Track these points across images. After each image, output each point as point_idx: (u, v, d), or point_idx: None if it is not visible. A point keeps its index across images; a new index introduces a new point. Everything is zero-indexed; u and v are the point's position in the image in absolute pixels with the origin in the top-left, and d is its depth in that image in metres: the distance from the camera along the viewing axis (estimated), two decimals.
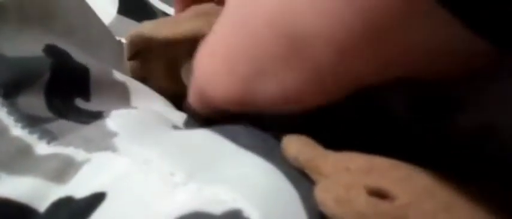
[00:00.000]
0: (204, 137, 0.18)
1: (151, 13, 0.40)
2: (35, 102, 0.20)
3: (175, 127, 0.21)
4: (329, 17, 0.15)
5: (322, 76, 0.16)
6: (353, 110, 0.19)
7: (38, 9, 0.22)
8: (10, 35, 0.21)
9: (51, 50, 0.21)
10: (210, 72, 0.19)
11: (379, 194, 0.15)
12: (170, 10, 0.40)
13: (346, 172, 0.16)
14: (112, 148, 0.17)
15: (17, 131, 0.18)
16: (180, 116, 0.23)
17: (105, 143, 0.17)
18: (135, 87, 0.24)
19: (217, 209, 0.14)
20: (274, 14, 0.16)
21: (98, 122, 0.19)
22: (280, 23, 0.16)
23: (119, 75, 0.24)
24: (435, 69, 0.16)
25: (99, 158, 0.17)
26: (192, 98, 0.22)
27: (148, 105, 0.23)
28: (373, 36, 0.15)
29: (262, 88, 0.18)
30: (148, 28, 0.22)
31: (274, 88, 0.17)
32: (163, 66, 0.24)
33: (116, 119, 0.19)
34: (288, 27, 0.16)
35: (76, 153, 0.17)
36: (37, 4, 0.22)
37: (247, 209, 0.14)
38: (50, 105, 0.20)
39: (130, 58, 0.24)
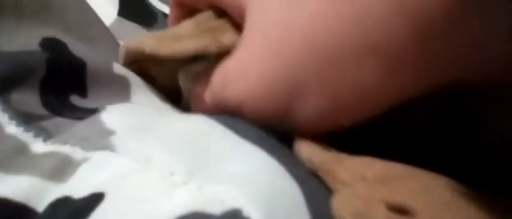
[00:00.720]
0: (207, 127, 0.17)
1: (151, 14, 0.39)
2: (29, 98, 0.19)
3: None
4: (375, 29, 0.15)
5: (364, 95, 0.16)
6: (376, 126, 0.19)
7: (35, 5, 0.22)
8: (6, 29, 0.20)
9: (48, 43, 0.21)
10: (244, 92, 0.18)
11: (399, 209, 0.14)
12: None
13: (363, 181, 0.15)
14: (110, 147, 0.17)
15: (12, 129, 0.18)
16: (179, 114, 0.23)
17: (103, 141, 0.17)
18: (136, 81, 0.23)
19: (216, 209, 0.14)
20: (313, 34, 0.16)
21: (93, 118, 0.19)
22: (320, 43, 0.16)
23: (119, 68, 0.23)
24: (485, 75, 0.16)
25: (98, 158, 0.17)
26: (209, 103, 0.21)
27: (149, 100, 0.23)
28: (424, 41, 0.14)
29: (299, 109, 0.17)
30: (149, 45, 0.22)
31: (311, 109, 0.17)
32: (161, 69, 0.24)
33: (112, 114, 0.19)
34: (327, 46, 0.16)
35: (73, 152, 0.17)
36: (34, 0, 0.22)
37: (247, 208, 0.13)
38: (45, 102, 0.20)
39: (126, 66, 0.24)
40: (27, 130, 0.18)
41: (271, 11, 0.18)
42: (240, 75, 0.19)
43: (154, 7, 0.40)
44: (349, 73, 0.16)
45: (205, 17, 0.22)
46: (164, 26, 0.38)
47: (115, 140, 0.17)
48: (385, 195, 0.15)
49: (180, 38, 0.21)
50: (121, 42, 0.29)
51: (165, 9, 0.40)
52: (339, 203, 0.15)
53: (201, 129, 0.17)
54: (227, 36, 0.21)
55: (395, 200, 0.15)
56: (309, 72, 0.16)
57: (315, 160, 0.16)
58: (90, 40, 0.24)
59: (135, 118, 0.19)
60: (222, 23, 0.21)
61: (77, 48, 0.22)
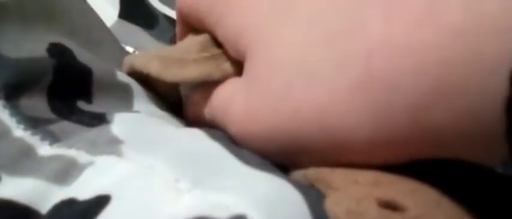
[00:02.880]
0: (208, 145, 0.18)
1: (152, 16, 0.39)
2: (37, 103, 0.19)
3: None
4: (387, 125, 0.15)
5: (368, 161, 0.17)
6: None
7: (39, 8, 0.22)
8: (12, 36, 0.20)
9: (55, 49, 0.21)
10: (248, 135, 0.19)
11: (390, 206, 0.15)
12: (171, 12, 0.40)
13: (355, 185, 0.16)
14: (117, 153, 0.17)
15: (19, 132, 0.18)
16: (180, 123, 0.23)
17: (110, 148, 0.17)
18: (139, 88, 0.24)
19: (223, 215, 0.14)
20: (322, 111, 0.16)
21: (102, 127, 0.19)
22: (334, 121, 0.16)
23: (122, 76, 0.23)
24: None
25: (103, 161, 0.17)
26: (207, 118, 0.22)
27: (151, 108, 0.23)
28: (433, 141, 0.15)
29: (303, 160, 0.18)
30: (154, 69, 0.22)
31: (317, 161, 0.17)
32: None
33: (120, 126, 0.19)
34: (340, 128, 0.16)
35: (79, 155, 0.17)
36: (37, 3, 0.22)
37: (251, 214, 0.14)
38: (53, 107, 0.20)
39: (128, 75, 0.24)
40: (34, 134, 0.18)
41: (284, 78, 0.18)
42: (246, 118, 0.19)
43: (155, 9, 0.40)
44: (359, 147, 0.16)
45: (209, 40, 0.23)
46: (165, 28, 0.38)
47: (122, 148, 0.17)
48: (377, 195, 0.15)
49: (184, 63, 0.22)
50: (123, 45, 0.29)
51: (167, 11, 0.40)
52: (332, 204, 0.15)
53: (201, 146, 0.18)
54: (229, 63, 0.22)
55: (386, 198, 0.15)
56: (320, 143, 0.17)
57: (308, 173, 0.17)
58: (94, 43, 0.24)
59: (141, 131, 0.19)
60: (221, 52, 0.22)
61: (82, 54, 0.22)
